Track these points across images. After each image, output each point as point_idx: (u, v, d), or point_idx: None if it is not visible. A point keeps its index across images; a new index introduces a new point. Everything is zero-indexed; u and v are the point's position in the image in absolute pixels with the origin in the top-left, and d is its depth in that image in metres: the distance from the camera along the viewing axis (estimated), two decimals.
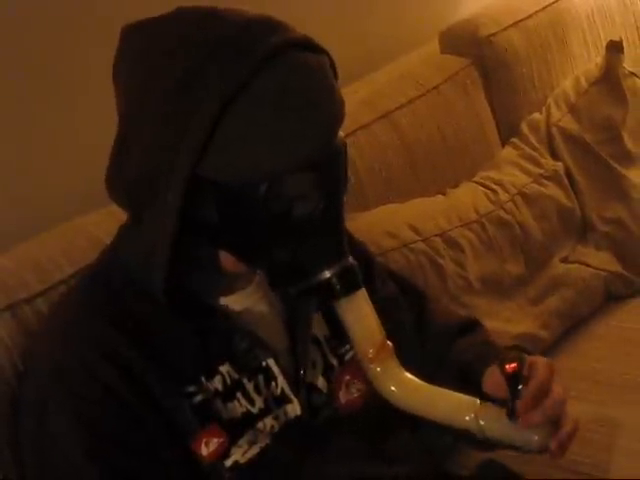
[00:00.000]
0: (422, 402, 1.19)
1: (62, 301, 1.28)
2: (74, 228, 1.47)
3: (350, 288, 1.15)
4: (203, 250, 1.19)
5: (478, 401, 1.17)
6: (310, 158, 1.10)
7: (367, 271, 1.37)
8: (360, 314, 1.17)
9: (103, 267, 1.26)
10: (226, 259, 1.19)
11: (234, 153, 1.09)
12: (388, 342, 1.19)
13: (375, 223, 1.94)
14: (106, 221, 1.42)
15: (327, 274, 1.14)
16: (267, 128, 1.08)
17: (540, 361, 1.21)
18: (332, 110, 1.13)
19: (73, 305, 1.24)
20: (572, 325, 2.17)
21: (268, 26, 1.12)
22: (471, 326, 1.49)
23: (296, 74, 1.10)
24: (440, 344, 1.44)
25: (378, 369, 1.17)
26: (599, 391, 1.93)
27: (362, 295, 1.17)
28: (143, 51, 1.14)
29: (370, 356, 1.17)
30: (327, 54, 1.16)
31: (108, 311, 1.19)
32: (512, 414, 1.13)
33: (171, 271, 1.14)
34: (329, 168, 1.13)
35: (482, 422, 1.15)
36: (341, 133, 1.16)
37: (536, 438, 1.15)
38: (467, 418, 1.16)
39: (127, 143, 1.16)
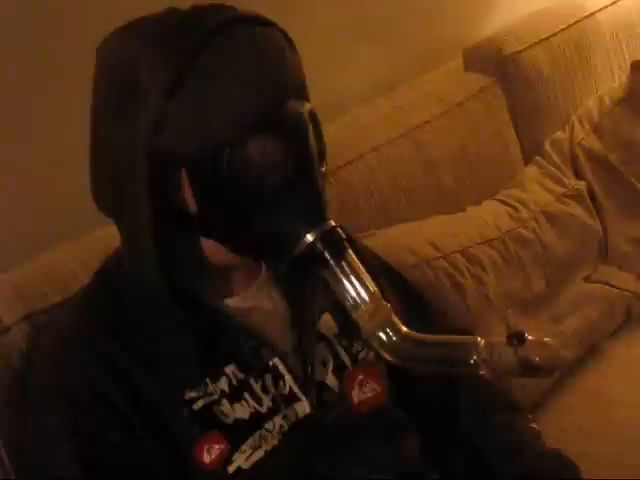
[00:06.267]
0: (428, 356, 1.14)
1: (66, 307, 1.29)
2: (92, 240, 1.48)
3: (336, 251, 1.11)
4: (186, 241, 1.19)
5: (478, 338, 1.12)
6: (260, 119, 1.11)
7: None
8: (351, 277, 1.11)
9: (105, 273, 1.27)
10: (211, 249, 1.18)
11: (188, 120, 1.10)
12: (385, 302, 1.13)
13: (395, 239, 1.94)
14: None
15: (309, 238, 1.11)
16: (215, 93, 1.10)
17: None
18: (280, 74, 1.14)
19: (76, 312, 1.25)
20: (591, 345, 2.15)
21: (218, 7, 1.16)
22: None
23: (242, 43, 1.12)
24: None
25: (377, 331, 1.11)
26: (619, 412, 1.92)
27: (351, 258, 1.12)
28: (104, 60, 1.17)
29: (366, 317, 1.11)
30: (278, 27, 1.18)
31: (109, 318, 1.20)
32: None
33: (164, 266, 1.14)
34: (291, 133, 1.13)
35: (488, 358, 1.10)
36: (308, 104, 1.17)
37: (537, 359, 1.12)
38: (472, 361, 1.10)
39: (94, 148, 1.18)
